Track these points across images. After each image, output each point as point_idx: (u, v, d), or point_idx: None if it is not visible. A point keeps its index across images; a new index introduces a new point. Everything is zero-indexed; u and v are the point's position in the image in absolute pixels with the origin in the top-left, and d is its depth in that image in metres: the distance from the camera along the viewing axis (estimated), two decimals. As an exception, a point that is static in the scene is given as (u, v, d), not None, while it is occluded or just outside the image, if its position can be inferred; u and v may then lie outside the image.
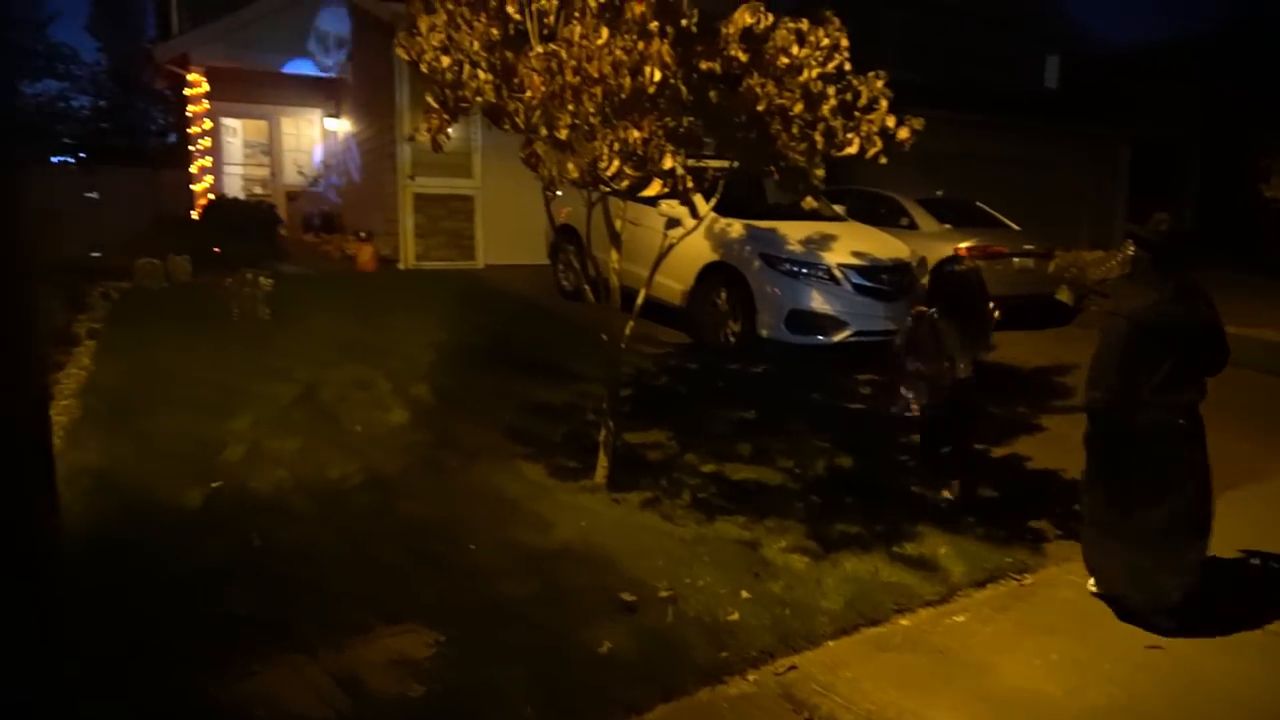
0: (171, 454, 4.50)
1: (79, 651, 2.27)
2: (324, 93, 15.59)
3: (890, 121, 3.44)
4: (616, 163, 3.13)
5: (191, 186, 13.57)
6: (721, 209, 5.39)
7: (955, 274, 4.87)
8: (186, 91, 13.48)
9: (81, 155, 32.76)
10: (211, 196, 13.24)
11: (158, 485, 4.11)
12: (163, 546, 3.56)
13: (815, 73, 3.54)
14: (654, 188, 3.32)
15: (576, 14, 3.24)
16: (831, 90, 3.47)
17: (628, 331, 4.46)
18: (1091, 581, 3.83)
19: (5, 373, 1.73)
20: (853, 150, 3.49)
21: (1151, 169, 19.67)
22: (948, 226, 9.92)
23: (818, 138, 3.43)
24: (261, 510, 3.95)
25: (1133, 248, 3.57)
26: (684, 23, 3.14)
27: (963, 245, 9.58)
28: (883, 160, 3.56)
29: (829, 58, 3.47)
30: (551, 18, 3.46)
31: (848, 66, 3.59)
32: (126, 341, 6.61)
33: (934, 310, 4.57)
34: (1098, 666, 3.30)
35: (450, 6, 3.87)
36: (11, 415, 1.72)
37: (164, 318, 7.44)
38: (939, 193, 10.89)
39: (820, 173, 3.64)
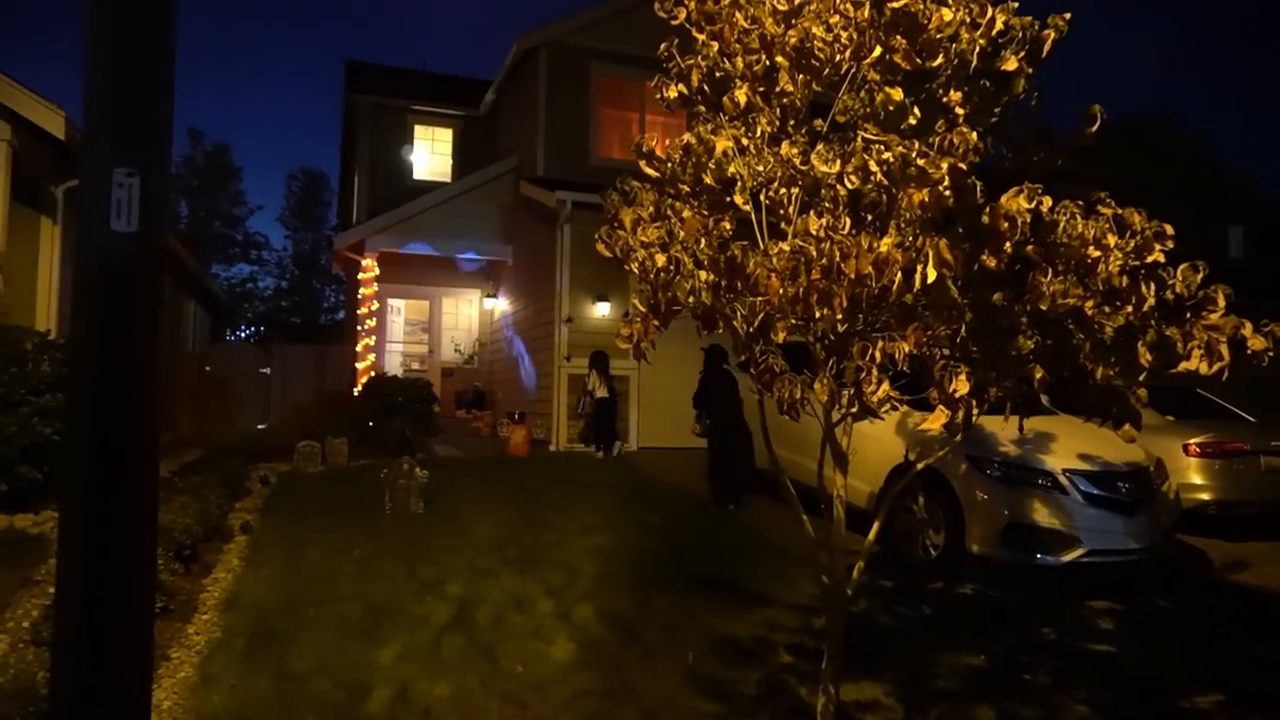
0: (309, 699, 3.86)
1: None
2: (484, 274, 16.14)
3: (1247, 329, 2.59)
4: (886, 385, 2.42)
5: (356, 363, 13.99)
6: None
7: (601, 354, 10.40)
8: (360, 275, 14.18)
9: (260, 331, 35.74)
10: (373, 373, 13.55)
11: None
12: None
13: (1116, 265, 2.78)
14: (937, 418, 2.57)
15: (828, 204, 2.65)
16: (1149, 289, 2.67)
17: (856, 575, 3.60)
18: None
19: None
20: (1192, 365, 2.64)
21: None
22: (1170, 419, 8.60)
23: (1142, 349, 2.61)
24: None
25: None
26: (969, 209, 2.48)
27: (1193, 441, 8.21)
28: (1224, 377, 2.70)
29: (1146, 249, 2.71)
30: (792, 208, 2.90)
31: (1161, 259, 2.81)
32: (278, 538, 6.26)
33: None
34: None
35: (654, 198, 3.42)
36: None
37: (318, 509, 7.14)
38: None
39: (1143, 394, 2.81)
